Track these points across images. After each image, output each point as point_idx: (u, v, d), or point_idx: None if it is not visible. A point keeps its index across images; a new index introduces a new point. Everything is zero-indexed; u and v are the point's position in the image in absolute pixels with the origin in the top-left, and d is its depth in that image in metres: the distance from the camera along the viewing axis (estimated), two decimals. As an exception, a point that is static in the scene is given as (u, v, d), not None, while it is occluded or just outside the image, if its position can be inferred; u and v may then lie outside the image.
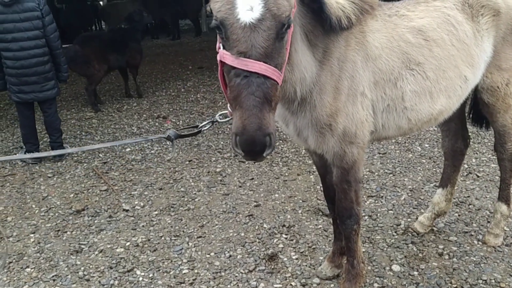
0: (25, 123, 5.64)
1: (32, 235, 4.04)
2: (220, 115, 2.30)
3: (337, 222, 2.96)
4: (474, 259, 3.28)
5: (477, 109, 3.21)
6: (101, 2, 20.18)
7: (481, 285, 3.03)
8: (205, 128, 2.36)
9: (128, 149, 5.87)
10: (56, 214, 4.37)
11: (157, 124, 6.83)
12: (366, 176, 4.67)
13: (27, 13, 5.17)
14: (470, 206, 3.97)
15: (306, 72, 2.21)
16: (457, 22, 2.63)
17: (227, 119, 2.23)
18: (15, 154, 5.90)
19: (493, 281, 3.05)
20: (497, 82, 2.86)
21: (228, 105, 1.95)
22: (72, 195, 4.73)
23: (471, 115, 3.40)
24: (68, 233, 4.05)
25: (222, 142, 5.90)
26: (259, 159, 1.85)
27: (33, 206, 4.56)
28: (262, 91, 1.74)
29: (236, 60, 1.74)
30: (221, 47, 1.84)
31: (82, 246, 3.82)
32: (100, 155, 5.75)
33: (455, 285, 3.04)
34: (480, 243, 3.45)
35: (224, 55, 1.79)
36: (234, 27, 1.74)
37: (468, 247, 3.42)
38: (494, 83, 2.86)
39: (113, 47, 7.73)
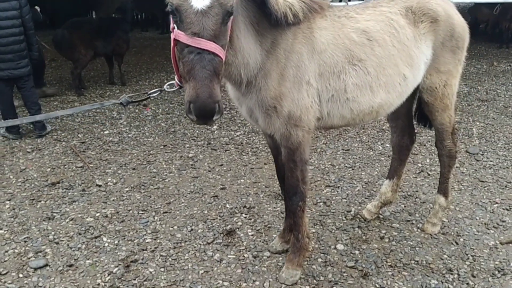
0: (2, 98, 5.88)
1: (7, 202, 4.28)
2: (167, 85, 2.63)
3: (286, 199, 3.28)
4: (411, 244, 3.62)
5: (421, 108, 3.55)
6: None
7: (413, 265, 3.37)
8: (154, 95, 2.71)
9: (106, 132, 6.11)
10: (32, 185, 4.61)
11: (137, 110, 7.08)
12: (327, 169, 5.00)
13: None
14: (416, 199, 4.32)
15: (249, 58, 2.54)
16: (400, 26, 2.96)
17: (174, 89, 2.55)
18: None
19: (424, 262, 3.40)
20: (436, 83, 3.20)
21: (176, 76, 2.28)
22: (49, 169, 4.98)
23: (416, 114, 3.74)
24: (42, 202, 4.29)
25: (197, 131, 6.18)
26: (209, 123, 2.19)
27: (11, 177, 4.80)
28: (212, 65, 2.08)
29: (190, 39, 2.07)
30: (175, 27, 2.16)
31: (55, 214, 4.07)
32: (79, 135, 6.00)
33: (389, 264, 3.37)
34: (419, 230, 3.80)
35: (179, 34, 2.12)
36: (188, 12, 2.08)
37: (408, 233, 3.76)
38: (433, 84, 3.21)
39: (101, 34, 7.98)
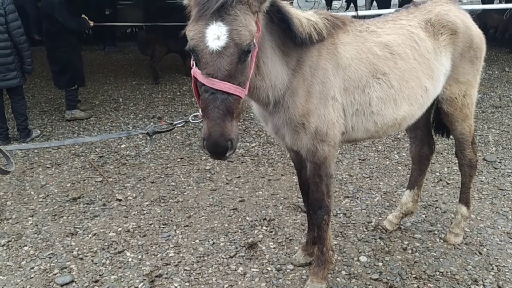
0: None
1: (30, 218, 4.33)
2: (193, 116, 2.69)
3: (310, 213, 3.29)
4: (435, 254, 3.61)
5: (439, 118, 3.56)
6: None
7: (438, 276, 3.36)
8: (179, 125, 2.79)
9: (123, 145, 6.17)
10: (54, 201, 4.67)
11: (152, 123, 7.14)
12: (344, 179, 5.01)
13: None
14: (437, 209, 4.31)
15: (277, 80, 2.59)
16: (420, 39, 2.99)
17: (199, 120, 2.58)
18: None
19: (449, 273, 3.39)
20: (455, 93, 3.22)
21: (200, 109, 2.33)
22: (69, 184, 5.04)
23: (434, 124, 3.75)
24: (64, 217, 4.34)
25: (213, 143, 6.21)
26: (223, 159, 2.26)
27: (32, 192, 4.86)
28: (225, 105, 2.14)
29: (205, 79, 2.13)
30: (194, 64, 2.23)
31: (77, 230, 4.12)
32: (97, 149, 6.06)
33: (414, 275, 3.37)
34: (442, 241, 3.79)
35: (196, 73, 2.19)
36: (204, 53, 2.13)
37: (430, 244, 3.76)
38: (453, 94, 3.22)
39: (172, 35, 8.87)
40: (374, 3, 16.19)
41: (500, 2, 13.08)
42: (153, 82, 9.63)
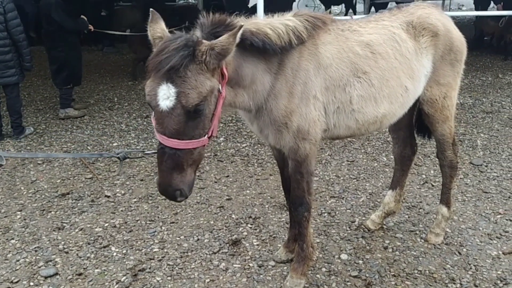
0: None
1: (19, 212, 4.39)
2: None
3: (291, 210, 3.35)
4: (414, 253, 3.67)
5: (421, 120, 3.62)
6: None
7: (416, 274, 3.41)
8: (150, 153, 2.95)
9: (115, 144, 6.24)
10: (43, 196, 4.72)
11: (145, 123, 7.20)
12: (332, 180, 5.07)
13: None
14: (420, 210, 4.37)
15: (259, 89, 2.69)
16: (401, 40, 3.05)
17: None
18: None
19: (427, 272, 3.44)
20: (436, 95, 3.28)
21: None
22: (59, 181, 5.09)
23: (416, 126, 3.80)
24: (52, 212, 4.40)
25: (204, 143, 6.27)
26: (177, 202, 2.47)
27: (22, 188, 4.92)
28: (173, 160, 2.28)
29: (157, 133, 2.28)
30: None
31: (64, 224, 4.17)
32: (89, 147, 6.12)
33: (393, 273, 3.42)
34: (422, 241, 3.84)
35: (153, 123, 2.34)
36: (156, 110, 2.25)
37: (411, 243, 3.81)
38: (433, 95, 3.29)
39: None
40: (373, 9, 16.36)
41: (497, 8, 13.15)
42: (132, 78, 10.02)
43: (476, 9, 15.00)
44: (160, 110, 2.21)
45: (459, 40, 3.30)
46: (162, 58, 2.19)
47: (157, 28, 2.43)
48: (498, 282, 3.32)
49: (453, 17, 3.64)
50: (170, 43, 2.24)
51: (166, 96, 2.19)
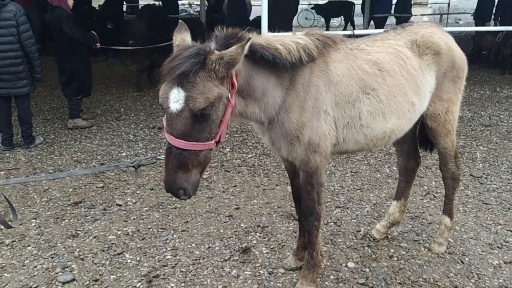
0: (0, 113, 6.45)
1: (33, 220, 4.51)
2: None
3: (301, 219, 3.49)
4: (419, 262, 3.80)
5: (423, 133, 3.78)
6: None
7: (421, 282, 3.55)
8: (162, 158, 3.04)
9: (123, 154, 6.38)
10: (56, 205, 4.85)
11: (152, 133, 7.36)
12: (336, 190, 5.21)
13: (4, 21, 6.13)
14: (423, 220, 4.51)
15: (270, 103, 2.85)
16: (407, 57, 3.23)
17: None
18: None
19: (431, 280, 3.57)
20: (438, 110, 3.45)
21: None
22: (70, 189, 5.22)
23: (419, 139, 3.96)
24: (66, 220, 4.52)
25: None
26: (180, 199, 2.65)
27: (35, 196, 5.04)
28: (178, 159, 2.46)
29: (166, 134, 2.47)
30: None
31: (78, 232, 4.30)
32: (98, 157, 6.26)
33: (398, 281, 3.55)
34: (426, 250, 3.98)
35: (164, 123, 2.53)
36: (167, 112, 2.45)
37: (415, 252, 3.95)
38: (436, 110, 3.45)
39: (157, 49, 9.14)
40: (372, 22, 16.64)
41: (495, 25, 13.42)
42: (136, 89, 10.27)
43: (476, 23, 15.26)
44: (170, 112, 2.41)
45: (461, 57, 3.47)
46: (175, 64, 2.39)
47: (178, 37, 2.63)
48: (500, 290, 3.46)
49: (451, 33, 3.81)
50: (183, 51, 2.44)
51: (176, 99, 2.38)
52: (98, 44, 7.71)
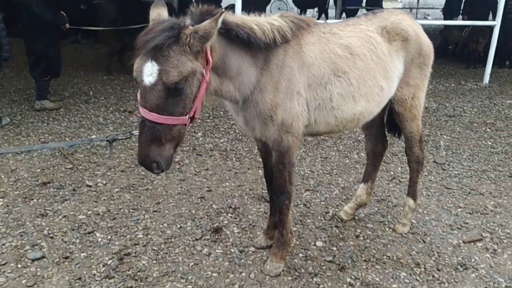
0: None
1: (1, 199, 4.43)
2: None
3: (273, 199, 3.58)
4: (383, 241, 3.97)
5: (391, 118, 3.92)
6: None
7: (384, 259, 3.71)
8: (136, 133, 3.06)
9: (93, 136, 6.28)
10: (24, 184, 4.77)
11: (122, 117, 7.27)
12: (307, 174, 5.33)
13: None
14: (388, 203, 4.69)
15: (243, 84, 2.90)
16: (377, 43, 3.34)
17: None
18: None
19: (394, 257, 3.74)
20: (405, 95, 3.58)
21: None
22: (39, 170, 5.13)
23: (387, 124, 4.11)
24: (35, 200, 4.46)
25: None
26: (154, 173, 2.68)
27: (2, 176, 4.94)
28: (151, 132, 2.49)
29: (140, 107, 2.51)
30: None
31: (47, 211, 4.25)
32: (66, 138, 6.15)
33: (364, 259, 3.70)
34: (391, 230, 4.15)
35: (138, 99, 2.55)
36: (140, 86, 2.49)
37: (380, 232, 4.11)
38: (403, 96, 3.59)
39: (129, 32, 9.04)
40: (344, 14, 16.89)
41: (463, 19, 13.82)
42: (106, 73, 10.14)
43: (445, 19, 15.66)
44: (144, 85, 2.44)
45: (428, 45, 3.61)
46: (149, 37, 2.42)
47: (154, 12, 2.64)
48: (459, 267, 3.65)
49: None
50: (158, 25, 2.47)
51: (150, 72, 2.41)
52: (67, 25, 7.54)
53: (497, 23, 10.11)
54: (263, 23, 2.85)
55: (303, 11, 21.20)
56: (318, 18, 20.44)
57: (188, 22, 2.55)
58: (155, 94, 2.44)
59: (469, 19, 12.95)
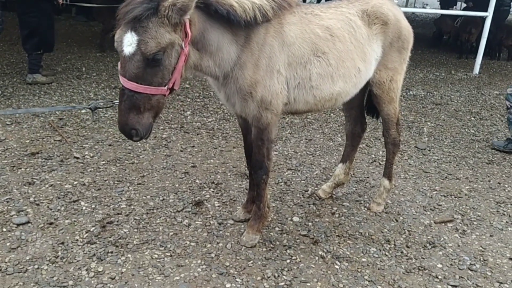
0: None
1: (-12, 167, 4.54)
2: None
3: (251, 173, 3.71)
4: (357, 219, 4.12)
5: (370, 101, 4.05)
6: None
7: (357, 235, 3.87)
8: (116, 103, 3.18)
9: (83, 111, 6.38)
10: (12, 154, 4.88)
11: (113, 93, 7.35)
12: (290, 155, 5.47)
13: None
14: (366, 184, 4.85)
15: (223, 60, 3.00)
16: (356, 26, 3.44)
17: None
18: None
19: (366, 234, 3.90)
20: (383, 78, 3.71)
21: None
22: (28, 141, 5.24)
23: (366, 106, 4.23)
24: (23, 169, 4.57)
25: (171, 115, 6.54)
26: (133, 141, 2.81)
27: (-9, 145, 5.04)
28: (130, 101, 2.60)
29: (120, 76, 2.62)
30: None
31: (35, 180, 4.37)
32: (57, 112, 6.24)
33: (337, 234, 3.86)
34: (365, 209, 4.31)
35: (119, 69, 2.66)
36: (121, 55, 2.60)
37: (356, 211, 4.27)
38: (381, 78, 3.71)
39: None
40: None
41: (467, 7, 13.83)
42: (100, 50, 10.17)
43: (442, 8, 15.69)
44: (124, 55, 2.56)
45: (407, 29, 3.72)
46: (129, 9, 2.54)
47: None
48: (427, 245, 3.81)
49: (415, 14, 4.04)
50: None
51: (129, 43, 2.52)
52: (60, 0, 7.55)
53: (489, 14, 10.20)
54: (244, 1, 2.93)
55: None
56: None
57: None
58: (134, 64, 2.55)
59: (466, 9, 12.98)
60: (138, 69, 2.56)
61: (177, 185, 4.51)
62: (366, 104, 4.21)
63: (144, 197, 4.24)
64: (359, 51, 3.45)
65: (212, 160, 5.17)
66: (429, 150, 5.93)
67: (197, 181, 4.64)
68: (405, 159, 5.55)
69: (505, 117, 6.50)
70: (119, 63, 2.66)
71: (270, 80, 3.16)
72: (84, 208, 3.98)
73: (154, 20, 2.52)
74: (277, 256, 3.50)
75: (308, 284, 3.23)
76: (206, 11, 2.80)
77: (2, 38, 9.84)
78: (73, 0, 9.87)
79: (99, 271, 3.19)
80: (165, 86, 2.69)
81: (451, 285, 3.33)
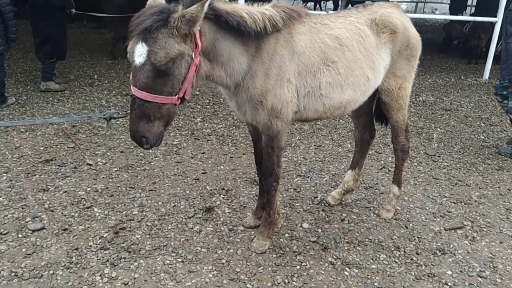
0: None
1: (4, 174, 4.64)
2: None
3: (262, 180, 3.76)
4: (367, 225, 4.15)
5: (379, 108, 4.08)
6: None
7: (366, 242, 3.89)
8: None
9: (95, 118, 6.49)
10: (27, 161, 4.98)
11: (125, 100, 7.47)
12: (299, 161, 5.51)
13: None
14: (376, 190, 4.87)
15: (234, 70, 3.06)
16: (365, 35, 3.49)
17: None
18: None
19: (376, 240, 3.92)
20: (392, 85, 3.74)
21: None
22: (42, 148, 5.34)
23: (375, 113, 4.27)
24: (37, 176, 4.67)
25: (181, 122, 6.62)
26: (144, 148, 2.84)
27: (6, 153, 5.15)
28: (140, 109, 2.67)
29: (131, 86, 2.69)
30: None
31: (49, 187, 4.46)
32: (70, 119, 6.36)
33: (346, 240, 3.89)
34: (375, 215, 4.33)
35: (130, 79, 2.74)
36: (132, 65, 2.67)
37: (365, 217, 4.29)
38: (390, 86, 3.74)
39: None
40: (349, 6, 16.88)
41: (471, 15, 13.85)
42: (111, 57, 10.40)
43: (451, 13, 15.66)
44: (135, 65, 2.62)
45: (415, 38, 3.76)
46: (140, 20, 2.62)
47: None
48: (437, 252, 3.82)
49: (424, 20, 4.08)
50: (149, 9, 2.68)
51: (140, 53, 2.59)
52: (73, 10, 7.70)
53: (498, 20, 10.17)
54: (254, 12, 3.00)
55: (305, 3, 21.26)
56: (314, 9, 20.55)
57: (180, 8, 2.72)
58: (144, 73, 2.62)
59: (474, 14, 12.93)
60: (148, 78, 2.63)
61: (188, 192, 4.58)
62: (375, 111, 4.24)
63: (155, 204, 4.30)
64: (368, 60, 3.49)
65: (222, 167, 5.23)
66: (438, 156, 5.93)
67: (207, 187, 4.70)
68: (414, 165, 5.56)
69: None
70: (131, 73, 2.73)
71: (280, 89, 3.21)
72: (97, 214, 4.05)
73: (163, 31, 2.59)
74: (287, 262, 3.54)
75: (318, 290, 3.26)
76: (216, 22, 2.87)
77: (15, 46, 10.02)
78: (85, 10, 10.01)
79: (113, 277, 3.25)
80: (175, 95, 2.76)
81: (461, 292, 3.34)
